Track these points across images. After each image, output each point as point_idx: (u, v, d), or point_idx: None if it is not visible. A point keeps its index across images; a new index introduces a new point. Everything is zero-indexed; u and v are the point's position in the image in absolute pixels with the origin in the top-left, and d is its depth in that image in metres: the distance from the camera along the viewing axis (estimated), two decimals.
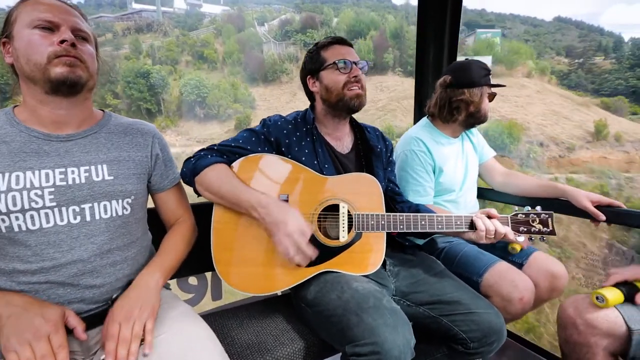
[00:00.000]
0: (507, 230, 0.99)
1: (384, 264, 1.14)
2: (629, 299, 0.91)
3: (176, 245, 0.98)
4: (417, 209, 1.19)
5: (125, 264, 0.90)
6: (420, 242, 1.33)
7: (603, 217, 1.19)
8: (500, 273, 1.21)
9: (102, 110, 0.98)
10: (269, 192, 1.04)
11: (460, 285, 1.11)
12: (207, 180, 1.01)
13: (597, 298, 0.92)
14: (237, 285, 1.02)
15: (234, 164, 1.06)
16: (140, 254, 0.96)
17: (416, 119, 1.83)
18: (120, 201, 0.88)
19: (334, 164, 1.15)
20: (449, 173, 1.45)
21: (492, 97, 1.45)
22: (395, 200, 1.25)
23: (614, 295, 0.91)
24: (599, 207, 1.21)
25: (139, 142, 0.95)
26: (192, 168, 1.03)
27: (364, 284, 0.94)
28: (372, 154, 1.21)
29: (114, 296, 0.86)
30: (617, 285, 0.93)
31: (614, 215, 1.18)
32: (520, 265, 1.36)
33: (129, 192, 0.90)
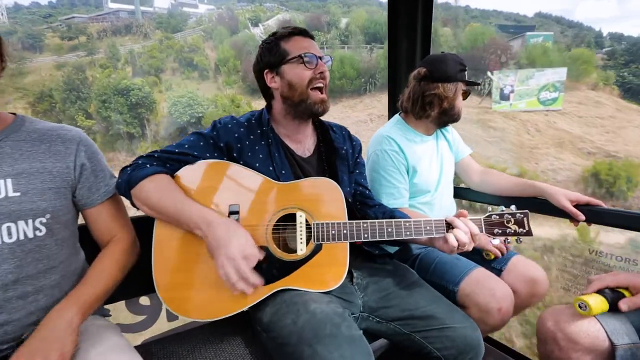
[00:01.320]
0: (479, 236, 0.91)
1: (350, 277, 1.03)
2: (613, 307, 0.84)
3: (104, 271, 0.86)
4: (392, 214, 1.09)
5: (41, 294, 0.76)
6: (392, 249, 1.23)
7: (582, 217, 1.12)
8: (477, 281, 1.13)
9: (14, 114, 0.83)
10: (218, 202, 0.92)
11: (435, 296, 1.02)
12: (145, 193, 0.88)
13: (579, 306, 0.84)
14: (185, 312, 0.90)
15: (178, 173, 0.94)
16: (66, 280, 0.83)
17: (390, 115, 1.74)
18: (30, 222, 0.74)
19: (293, 169, 1.04)
20: (424, 173, 1.36)
21: (465, 95, 1.36)
22: (366, 204, 1.15)
23: (597, 302, 0.84)
24: (578, 206, 1.14)
25: (58, 151, 0.82)
26: (127, 179, 0.90)
27: (323, 306, 0.83)
28: (336, 156, 1.10)
29: (24, 335, 0.72)
30: (600, 292, 0.86)
31: (594, 214, 1.12)
32: (499, 272, 1.29)
33: (43, 211, 0.76)
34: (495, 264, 1.32)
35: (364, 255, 1.11)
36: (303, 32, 1.04)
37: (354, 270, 1.05)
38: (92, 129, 26.14)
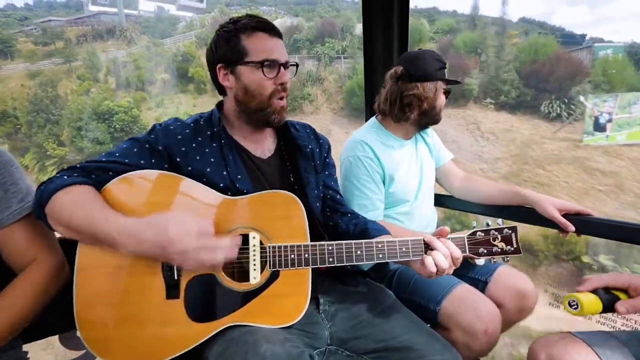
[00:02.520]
0: (460, 259, 0.79)
1: (316, 305, 0.90)
2: (608, 308, 0.74)
3: (14, 301, 0.73)
4: (364, 225, 0.97)
5: None
6: (367, 266, 1.11)
7: (572, 228, 1.02)
8: (460, 299, 1.02)
9: None
10: None
11: (413, 322, 0.90)
12: (58, 208, 0.73)
13: (570, 303, 0.74)
14: (112, 355, 0.74)
15: (107, 186, 0.79)
16: None
17: (368, 118, 1.62)
18: None
19: (251, 172, 0.91)
20: (402, 181, 1.25)
21: (447, 94, 1.26)
22: (337, 210, 1.03)
23: (590, 301, 0.74)
24: (567, 215, 1.04)
25: None
26: (39, 195, 0.74)
27: (277, 347, 0.70)
28: (299, 155, 0.98)
29: None
30: (594, 291, 0.75)
31: (584, 224, 1.02)
32: (484, 284, 1.19)
33: None
34: (479, 275, 1.22)
35: (333, 276, 0.98)
36: (270, 29, 0.90)
37: (321, 295, 0.92)
38: (65, 158, 19.67)
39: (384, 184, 1.23)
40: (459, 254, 0.79)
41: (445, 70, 1.23)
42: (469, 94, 18.21)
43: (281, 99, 0.90)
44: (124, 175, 0.80)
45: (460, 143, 15.74)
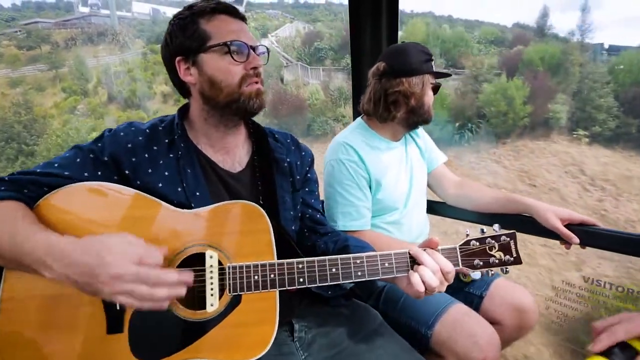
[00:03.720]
0: (452, 274, 0.68)
1: (290, 331, 0.79)
2: None
3: None
4: (345, 243, 0.85)
5: None
6: (349, 284, 0.99)
7: (576, 240, 0.92)
8: (455, 322, 0.91)
9: None
10: None
11: (402, 350, 0.79)
12: None
13: None
14: None
15: (42, 201, 0.67)
16: None
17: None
18: None
19: (213, 190, 0.78)
20: (389, 186, 1.14)
21: (436, 89, 1.16)
22: (316, 232, 0.91)
23: None
24: (570, 226, 0.94)
25: None
26: None
27: None
28: (275, 170, 0.86)
29: None
30: (608, 352, 0.64)
31: (589, 236, 0.92)
32: (480, 299, 1.09)
33: None
34: (474, 289, 1.12)
35: (310, 296, 0.86)
36: (231, 11, 0.78)
37: (296, 320, 0.80)
38: None
39: (370, 190, 1.12)
40: (450, 268, 0.68)
41: (432, 63, 1.13)
42: (553, 123, 13.04)
43: (255, 83, 0.77)
44: (61, 188, 0.67)
45: (562, 192, 10.75)
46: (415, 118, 1.15)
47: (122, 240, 0.59)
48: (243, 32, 0.77)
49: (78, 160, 0.71)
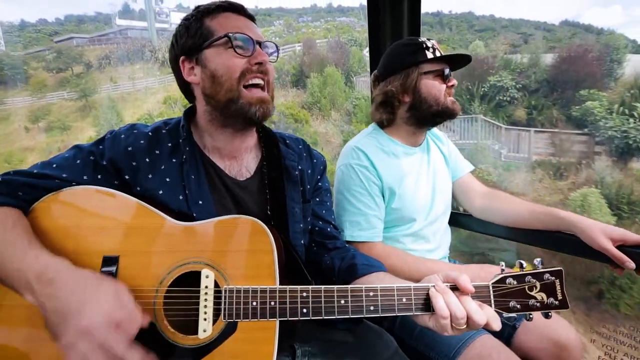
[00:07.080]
0: (487, 317, 0.57)
1: (292, 355, 0.71)
2: None
3: None
4: (352, 261, 0.77)
5: None
6: None
7: (632, 265, 0.79)
8: (480, 357, 0.80)
9: None
10: (88, 250, 0.62)
11: None
12: None
13: None
14: None
15: (36, 205, 0.64)
16: None
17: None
18: None
19: (218, 199, 0.73)
20: (407, 195, 1.04)
21: (443, 77, 1.02)
22: (324, 247, 0.84)
23: None
24: (623, 247, 0.81)
25: None
26: None
27: None
28: (285, 179, 0.79)
29: None
30: None
31: None
32: (512, 329, 0.96)
33: None
34: (505, 319, 0.98)
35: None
36: (237, 8, 0.75)
37: (298, 344, 0.72)
38: None
39: (383, 198, 1.03)
40: (482, 321, 0.56)
41: (431, 50, 1.01)
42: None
43: (256, 86, 0.72)
44: (59, 191, 0.64)
45: None
46: (421, 113, 1.04)
47: (114, 297, 0.54)
48: (248, 28, 0.73)
49: (78, 162, 0.69)
